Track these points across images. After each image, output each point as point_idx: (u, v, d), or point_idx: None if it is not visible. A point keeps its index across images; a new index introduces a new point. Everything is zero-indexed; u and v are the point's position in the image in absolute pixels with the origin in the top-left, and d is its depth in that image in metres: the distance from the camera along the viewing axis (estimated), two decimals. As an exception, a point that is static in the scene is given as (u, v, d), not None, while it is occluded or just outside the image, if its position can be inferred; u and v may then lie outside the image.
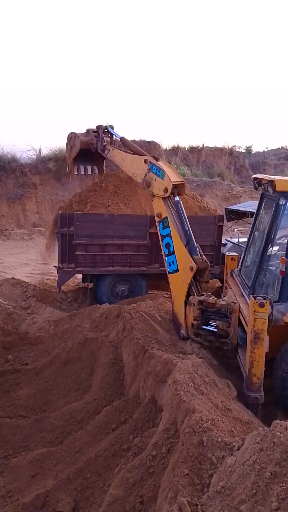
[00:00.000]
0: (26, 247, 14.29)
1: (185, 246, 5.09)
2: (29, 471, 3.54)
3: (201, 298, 4.93)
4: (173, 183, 5.25)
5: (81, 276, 8.17)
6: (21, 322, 6.79)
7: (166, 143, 22.69)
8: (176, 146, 22.91)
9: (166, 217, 5.21)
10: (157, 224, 5.36)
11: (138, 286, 7.72)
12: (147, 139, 19.50)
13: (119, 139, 6.41)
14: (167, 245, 5.20)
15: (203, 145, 23.74)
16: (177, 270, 5.12)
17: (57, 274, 7.58)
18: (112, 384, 4.36)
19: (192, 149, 23.42)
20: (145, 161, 5.47)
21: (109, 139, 6.60)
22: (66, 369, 4.88)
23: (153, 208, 5.48)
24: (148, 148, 18.85)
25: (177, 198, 5.36)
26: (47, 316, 6.91)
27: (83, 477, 3.30)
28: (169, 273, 5.24)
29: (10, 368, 5.25)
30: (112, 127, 6.65)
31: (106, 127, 6.46)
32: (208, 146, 23.94)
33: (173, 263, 5.14)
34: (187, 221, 5.26)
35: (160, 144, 20.20)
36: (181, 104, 52.63)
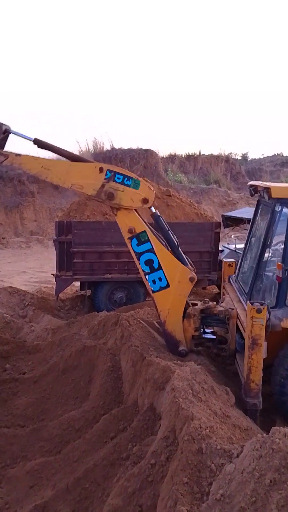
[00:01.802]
0: (23, 255, 14.30)
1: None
2: (27, 482, 3.51)
3: (202, 307, 4.84)
4: None
5: (79, 284, 8.17)
6: (18, 330, 6.76)
7: (163, 151, 22.93)
8: (173, 154, 23.17)
9: (144, 231, 4.57)
10: (127, 241, 4.62)
11: (136, 293, 7.72)
12: (144, 147, 19.65)
13: (32, 141, 4.65)
14: (149, 262, 4.61)
15: (200, 153, 23.99)
16: (166, 286, 4.63)
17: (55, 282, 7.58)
18: (110, 392, 4.33)
19: (188, 157, 23.65)
20: (101, 170, 4.49)
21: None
22: (64, 378, 4.85)
23: (119, 223, 4.65)
24: (145, 156, 18.98)
25: (153, 209, 4.74)
26: (45, 324, 6.88)
27: (82, 486, 3.27)
28: (155, 291, 4.63)
29: (7, 377, 5.20)
30: (9, 128, 4.65)
31: (6, 129, 4.58)
32: (204, 154, 24.20)
33: (161, 280, 4.62)
34: (172, 231, 4.86)
35: (157, 152, 20.36)
36: (177, 113, 53.18)
